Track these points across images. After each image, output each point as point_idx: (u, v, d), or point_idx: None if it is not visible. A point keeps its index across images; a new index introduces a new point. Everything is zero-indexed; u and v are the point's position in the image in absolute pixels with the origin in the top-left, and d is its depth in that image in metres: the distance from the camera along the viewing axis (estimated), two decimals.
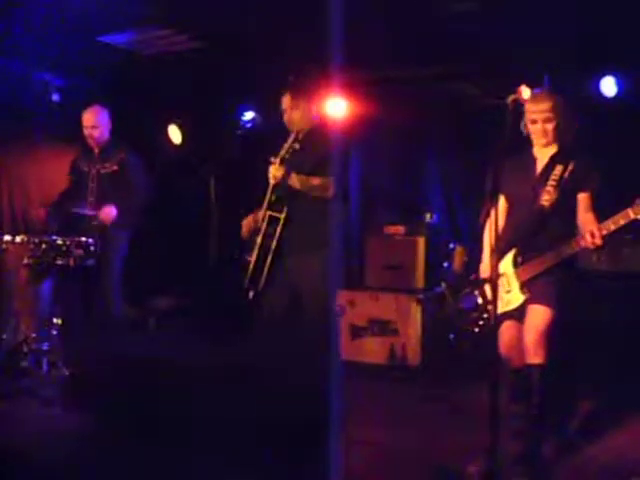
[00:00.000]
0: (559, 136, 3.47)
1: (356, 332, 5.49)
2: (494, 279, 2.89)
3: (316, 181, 3.86)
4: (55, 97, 5.73)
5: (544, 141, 3.47)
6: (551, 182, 3.39)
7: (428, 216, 5.84)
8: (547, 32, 4.71)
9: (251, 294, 3.99)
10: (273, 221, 3.91)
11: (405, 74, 5.80)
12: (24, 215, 5.83)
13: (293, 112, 3.99)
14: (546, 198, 3.38)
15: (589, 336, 4.51)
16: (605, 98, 5.11)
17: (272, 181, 3.81)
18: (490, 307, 3.24)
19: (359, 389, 4.40)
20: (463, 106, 5.78)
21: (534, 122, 3.46)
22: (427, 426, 3.95)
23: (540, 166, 3.50)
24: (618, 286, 4.82)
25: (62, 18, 4.77)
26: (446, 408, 4.32)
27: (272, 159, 3.79)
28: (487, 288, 3.47)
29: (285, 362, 2.95)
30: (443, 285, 5.58)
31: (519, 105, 3.38)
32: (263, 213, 3.93)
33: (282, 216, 3.89)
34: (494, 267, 2.91)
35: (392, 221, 5.76)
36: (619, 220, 3.17)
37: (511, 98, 3.26)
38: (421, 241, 5.60)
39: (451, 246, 5.83)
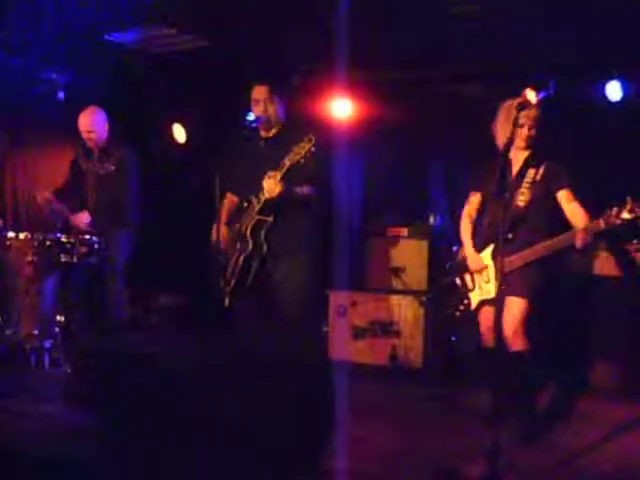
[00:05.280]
0: (534, 142, 3.76)
1: (358, 333, 5.49)
2: (501, 275, 3.13)
3: (299, 190, 3.95)
4: (60, 95, 5.74)
5: (524, 145, 3.75)
6: (525, 184, 3.70)
7: (432, 218, 5.84)
8: (552, 36, 4.71)
9: (227, 301, 4.03)
10: (260, 225, 3.93)
11: (408, 75, 5.80)
12: (28, 212, 5.83)
13: (268, 105, 4.06)
14: (521, 199, 3.69)
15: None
16: (610, 102, 5.10)
17: (267, 195, 3.83)
18: (470, 294, 3.88)
19: (361, 390, 4.41)
20: (468, 108, 5.77)
21: (522, 126, 3.67)
22: (428, 428, 3.94)
23: (515, 169, 3.78)
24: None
25: (68, 17, 4.77)
26: (447, 410, 4.31)
27: (270, 173, 3.80)
28: (467, 277, 3.92)
29: (277, 362, 2.94)
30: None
31: (524, 108, 3.43)
32: (252, 217, 3.95)
33: (270, 220, 3.92)
34: (500, 264, 3.15)
35: (395, 223, 5.75)
36: (612, 220, 3.38)
37: (517, 101, 3.29)
38: (424, 243, 5.59)
39: (454, 248, 5.82)
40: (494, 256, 3.73)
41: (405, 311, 5.35)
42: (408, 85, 5.86)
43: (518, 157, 3.79)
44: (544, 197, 3.69)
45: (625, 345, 4.65)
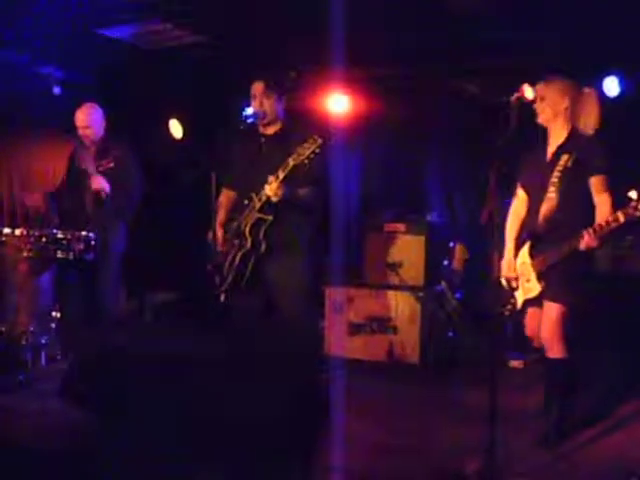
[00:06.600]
0: (569, 123, 3.55)
1: (355, 329, 5.48)
2: (509, 277, 3.23)
3: (302, 192, 3.95)
4: (56, 90, 5.72)
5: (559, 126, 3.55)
6: (556, 173, 3.46)
7: (429, 214, 5.84)
8: (550, 32, 4.71)
9: (222, 297, 4.04)
10: (260, 223, 3.93)
11: (406, 71, 5.79)
12: (24, 207, 5.82)
13: (264, 100, 4.05)
14: (552, 190, 3.46)
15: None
16: (608, 98, 5.09)
17: (270, 196, 3.84)
18: (516, 294, 3.65)
19: (357, 386, 4.41)
20: (465, 104, 5.77)
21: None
22: (425, 424, 3.94)
23: (549, 154, 3.59)
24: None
25: (64, 11, 4.75)
26: (445, 406, 4.31)
27: (270, 177, 3.81)
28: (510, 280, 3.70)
29: (274, 359, 2.94)
30: (443, 284, 5.60)
31: (522, 103, 3.41)
32: (252, 215, 3.96)
33: (270, 218, 3.92)
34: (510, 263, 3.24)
35: (393, 218, 5.75)
36: (611, 222, 3.24)
37: (515, 97, 3.28)
38: (421, 239, 5.58)
39: (451, 244, 5.83)
40: (531, 254, 3.55)
41: (402, 307, 5.35)
42: (406, 81, 5.85)
43: (553, 139, 3.58)
44: (577, 184, 3.44)
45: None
